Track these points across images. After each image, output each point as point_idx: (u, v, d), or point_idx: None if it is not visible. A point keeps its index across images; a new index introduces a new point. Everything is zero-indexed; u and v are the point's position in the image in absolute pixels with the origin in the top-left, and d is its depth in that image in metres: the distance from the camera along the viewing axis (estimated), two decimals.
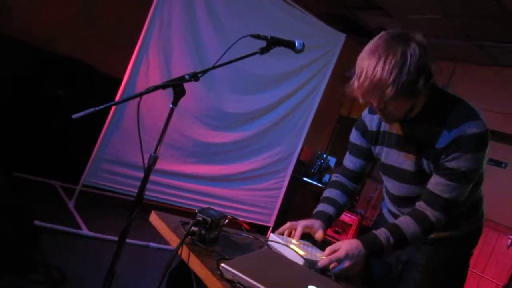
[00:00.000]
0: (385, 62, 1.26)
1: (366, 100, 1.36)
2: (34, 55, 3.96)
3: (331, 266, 1.36)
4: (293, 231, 1.59)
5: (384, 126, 1.60)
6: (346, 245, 1.39)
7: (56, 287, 2.32)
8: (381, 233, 1.42)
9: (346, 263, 1.36)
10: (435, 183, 1.41)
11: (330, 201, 1.71)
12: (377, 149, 1.65)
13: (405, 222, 1.43)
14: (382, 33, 1.35)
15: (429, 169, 1.46)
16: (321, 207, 1.70)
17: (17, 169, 3.68)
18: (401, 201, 1.62)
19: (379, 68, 1.26)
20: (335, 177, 1.81)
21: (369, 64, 1.29)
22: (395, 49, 1.27)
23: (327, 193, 1.76)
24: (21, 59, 3.90)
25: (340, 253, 1.36)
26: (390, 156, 1.58)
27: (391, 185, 1.64)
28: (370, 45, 1.33)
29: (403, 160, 1.53)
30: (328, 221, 1.65)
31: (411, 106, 1.39)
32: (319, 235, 1.58)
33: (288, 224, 1.61)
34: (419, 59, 1.27)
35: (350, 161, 1.77)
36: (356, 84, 1.33)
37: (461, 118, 1.36)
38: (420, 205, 1.44)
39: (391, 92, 1.26)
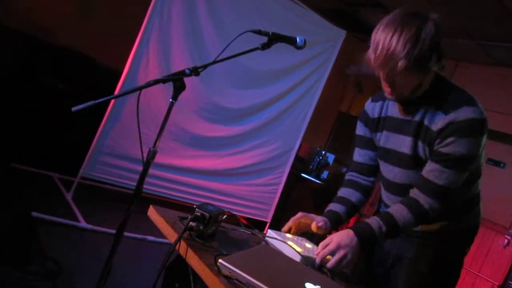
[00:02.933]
0: (400, 36, 1.28)
1: (380, 71, 1.36)
2: (34, 46, 3.95)
3: (329, 264, 1.35)
4: (292, 226, 1.60)
5: (385, 112, 1.61)
6: (337, 237, 1.38)
7: (52, 279, 2.32)
8: (373, 221, 1.42)
9: (341, 253, 1.35)
10: (430, 170, 1.41)
11: (340, 200, 1.71)
12: (377, 136, 1.65)
13: (398, 210, 1.43)
14: (398, 9, 1.36)
15: (424, 153, 1.46)
16: (330, 206, 1.70)
17: (16, 160, 3.67)
18: (397, 189, 1.61)
19: (394, 41, 1.28)
20: (348, 175, 1.81)
21: (385, 37, 1.31)
22: (410, 24, 1.29)
23: (339, 193, 1.76)
24: (20, 50, 3.88)
25: (332, 246, 1.36)
26: (389, 139, 1.59)
27: (387, 171, 1.63)
28: (386, 19, 1.35)
29: (401, 143, 1.53)
30: (336, 219, 1.64)
31: (418, 84, 1.39)
32: (314, 225, 1.58)
33: (290, 222, 1.61)
34: (433, 36, 1.29)
35: (358, 154, 1.77)
36: (372, 56, 1.34)
37: (458, 103, 1.37)
38: (414, 192, 1.44)
39: (403, 65, 1.28)
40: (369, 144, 1.71)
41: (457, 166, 1.37)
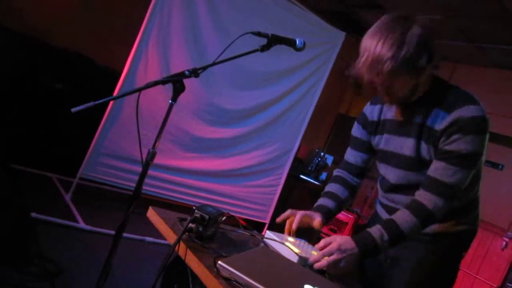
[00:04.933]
0: (385, 40, 1.30)
1: (369, 78, 1.37)
2: (33, 47, 3.95)
3: (320, 264, 1.34)
4: (292, 221, 1.59)
5: (385, 115, 1.61)
6: (341, 239, 1.37)
7: (51, 280, 2.32)
8: (375, 230, 1.39)
9: (338, 256, 1.33)
10: (435, 168, 1.40)
11: (330, 195, 1.71)
12: (376, 139, 1.65)
13: (401, 215, 1.41)
14: (385, 15, 1.38)
15: (428, 154, 1.45)
16: (321, 201, 1.70)
17: (15, 161, 3.67)
18: (396, 190, 1.61)
19: (379, 45, 1.31)
20: (336, 172, 1.80)
21: (371, 43, 1.33)
22: (395, 28, 1.31)
23: (328, 187, 1.75)
24: (19, 51, 3.88)
25: (333, 246, 1.35)
26: (390, 142, 1.58)
27: (388, 173, 1.62)
28: (374, 26, 1.38)
29: (402, 145, 1.52)
30: (327, 214, 1.64)
31: (414, 86, 1.40)
32: (317, 222, 1.57)
33: (288, 212, 1.60)
34: (419, 37, 1.30)
35: (351, 154, 1.77)
36: (359, 62, 1.36)
37: (461, 101, 1.37)
38: (419, 192, 1.42)
39: (390, 66, 1.29)
40: (363, 146, 1.72)
41: (463, 163, 1.36)
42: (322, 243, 1.40)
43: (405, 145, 1.51)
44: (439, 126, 1.39)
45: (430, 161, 1.45)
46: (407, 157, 1.51)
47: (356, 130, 1.74)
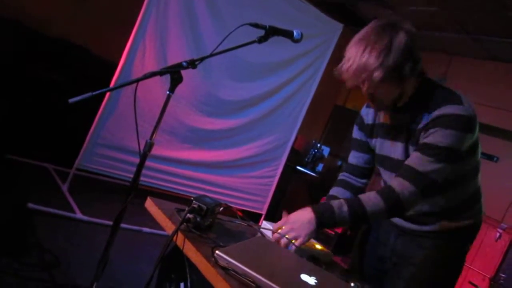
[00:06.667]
0: (372, 48, 1.32)
1: (353, 84, 1.39)
2: (29, 37, 3.92)
3: (282, 243, 1.36)
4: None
5: (378, 119, 1.63)
6: (292, 217, 1.40)
7: (49, 270, 2.33)
8: (336, 201, 1.42)
9: (291, 235, 1.36)
10: (411, 158, 1.42)
11: (331, 198, 1.72)
12: (373, 142, 1.67)
13: (368, 195, 1.41)
14: (371, 22, 1.39)
15: None
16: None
17: (11, 151, 3.66)
18: None
19: (366, 54, 1.32)
20: (340, 176, 1.82)
21: (357, 50, 1.34)
22: (382, 36, 1.32)
23: (331, 192, 1.77)
24: (16, 41, 3.85)
25: (285, 230, 1.38)
26: (383, 146, 1.61)
27: (386, 176, 1.66)
28: (360, 33, 1.39)
29: (394, 149, 1.55)
30: None
31: (400, 92, 1.42)
32: None
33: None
34: (405, 45, 1.32)
35: (353, 156, 1.79)
36: (344, 67, 1.37)
37: (442, 102, 1.38)
38: (393, 178, 1.44)
39: (379, 76, 1.31)
40: (363, 147, 1.74)
41: (437, 155, 1.36)
42: (276, 225, 1.43)
43: (395, 149, 1.54)
44: (420, 125, 1.42)
45: None
46: (400, 161, 1.53)
47: (356, 132, 1.76)
